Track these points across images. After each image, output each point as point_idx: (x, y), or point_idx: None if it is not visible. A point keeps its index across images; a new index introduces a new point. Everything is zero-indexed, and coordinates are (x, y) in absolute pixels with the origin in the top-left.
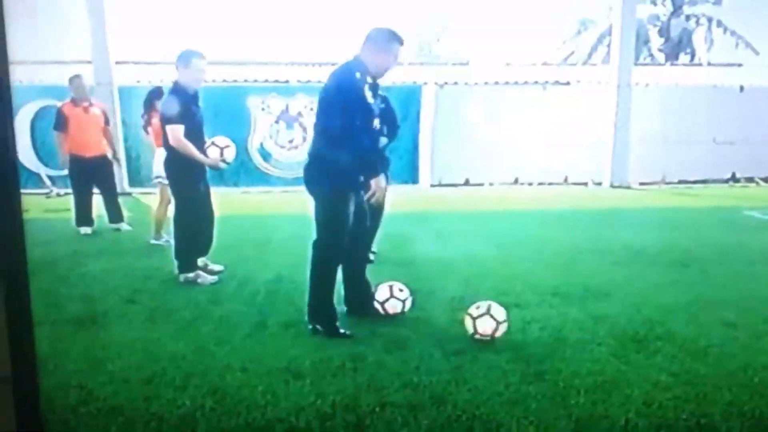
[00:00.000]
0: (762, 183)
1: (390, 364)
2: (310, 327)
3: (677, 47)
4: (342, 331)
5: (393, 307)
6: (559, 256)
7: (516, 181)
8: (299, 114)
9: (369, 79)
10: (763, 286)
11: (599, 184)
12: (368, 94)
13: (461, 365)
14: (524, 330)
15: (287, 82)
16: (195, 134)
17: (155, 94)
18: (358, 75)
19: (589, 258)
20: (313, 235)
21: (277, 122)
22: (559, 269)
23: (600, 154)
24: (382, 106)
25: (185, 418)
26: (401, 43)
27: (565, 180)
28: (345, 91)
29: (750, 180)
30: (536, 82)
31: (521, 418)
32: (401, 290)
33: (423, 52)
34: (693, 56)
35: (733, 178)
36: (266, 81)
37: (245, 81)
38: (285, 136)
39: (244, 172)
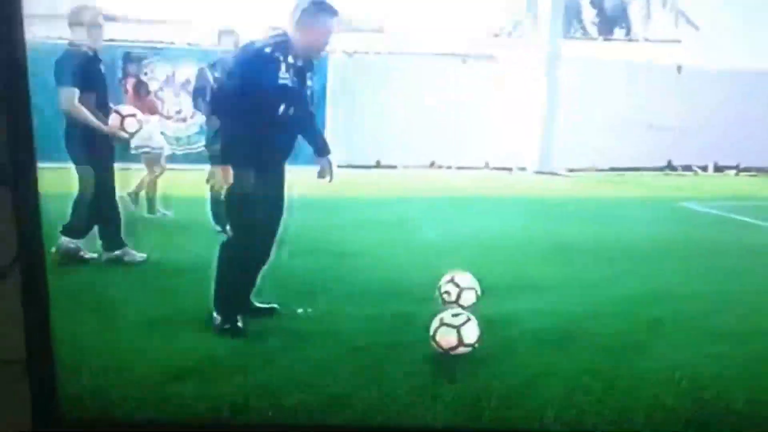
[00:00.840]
0: (700, 172)
1: (287, 363)
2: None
3: (612, 21)
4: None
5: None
6: (479, 248)
7: (432, 165)
8: (188, 81)
9: (291, 59)
10: (696, 282)
11: (523, 169)
12: (285, 75)
13: (365, 365)
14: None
15: (172, 44)
16: (98, 101)
17: (129, 57)
18: (268, 51)
19: (511, 251)
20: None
21: (161, 90)
22: (479, 263)
23: (525, 136)
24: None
25: None
26: (333, 14)
27: (486, 165)
28: (247, 70)
29: (687, 168)
30: (456, 55)
31: (429, 423)
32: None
33: None
34: (629, 31)
35: (669, 167)
36: (149, 42)
37: (124, 42)
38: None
39: (122, 147)
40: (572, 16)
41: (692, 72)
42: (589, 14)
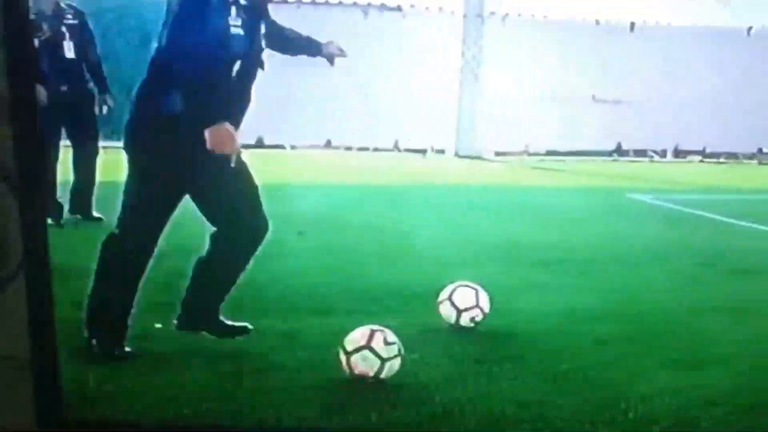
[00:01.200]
0: (657, 158)
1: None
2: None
3: None
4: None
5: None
6: (385, 249)
7: (329, 144)
8: None
9: None
10: (648, 291)
11: (441, 152)
12: (232, 14)
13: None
14: (334, 347)
15: None
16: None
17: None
18: None
19: (426, 253)
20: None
21: None
22: (384, 267)
23: (442, 112)
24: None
25: None
26: None
27: (396, 145)
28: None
29: (641, 153)
30: (355, 4)
31: None
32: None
33: None
34: None
35: (619, 151)
36: None
37: None
38: None
39: None
40: None
41: (648, 30)
42: None
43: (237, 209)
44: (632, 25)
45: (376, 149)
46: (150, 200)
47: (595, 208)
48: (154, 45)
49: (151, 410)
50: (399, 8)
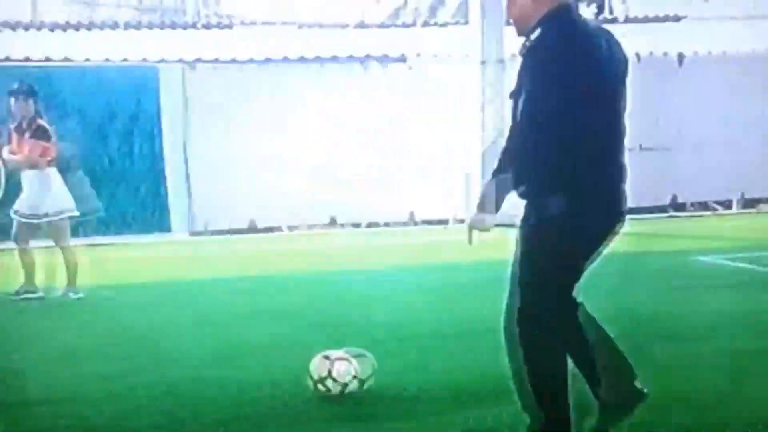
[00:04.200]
0: (721, 210)
1: None
2: None
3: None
4: None
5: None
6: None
7: (333, 222)
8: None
9: None
10: None
11: (463, 221)
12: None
13: None
14: None
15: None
16: None
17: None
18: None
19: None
20: None
21: None
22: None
23: (464, 175)
24: None
25: None
26: None
27: (412, 218)
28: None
29: (702, 206)
30: (352, 57)
31: None
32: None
33: (148, 2)
34: (601, 8)
35: (674, 205)
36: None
37: None
38: None
39: None
40: None
41: (700, 62)
42: None
43: None
44: (680, 57)
45: (386, 224)
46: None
47: (663, 277)
48: None
49: None
50: (402, 58)
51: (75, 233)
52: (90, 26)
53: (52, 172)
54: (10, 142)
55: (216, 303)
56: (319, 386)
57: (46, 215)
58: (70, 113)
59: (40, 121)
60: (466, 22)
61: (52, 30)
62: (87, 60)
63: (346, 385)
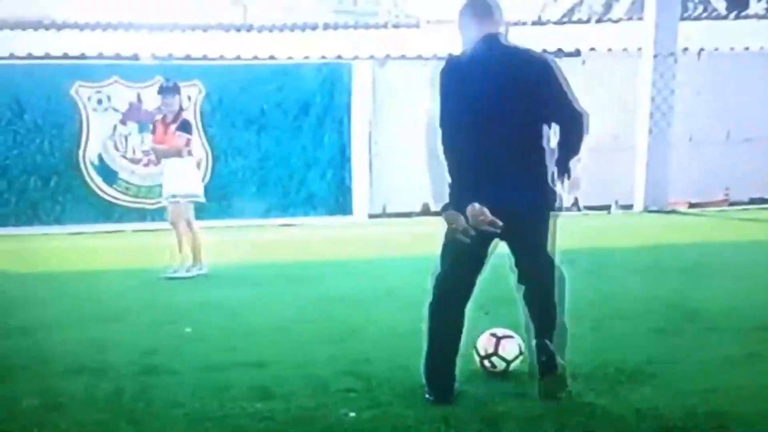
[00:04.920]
0: None
1: None
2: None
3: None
4: None
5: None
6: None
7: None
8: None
9: None
10: None
11: (629, 207)
12: None
13: None
14: None
15: (137, 58)
16: None
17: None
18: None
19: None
20: None
21: (124, 123)
22: None
23: (624, 161)
24: None
25: None
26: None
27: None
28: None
29: None
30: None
31: None
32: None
33: (344, 5)
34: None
35: None
36: (101, 56)
37: (65, 58)
38: (137, 145)
39: (72, 200)
40: None
41: None
42: None
43: None
44: None
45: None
46: None
47: None
48: None
49: None
50: (577, 52)
51: (267, 215)
52: (293, 27)
53: (191, 160)
54: (155, 133)
55: (400, 279)
56: (486, 362)
57: (174, 196)
58: (272, 106)
59: (185, 116)
60: (640, 18)
61: (259, 32)
62: (289, 58)
63: (510, 362)
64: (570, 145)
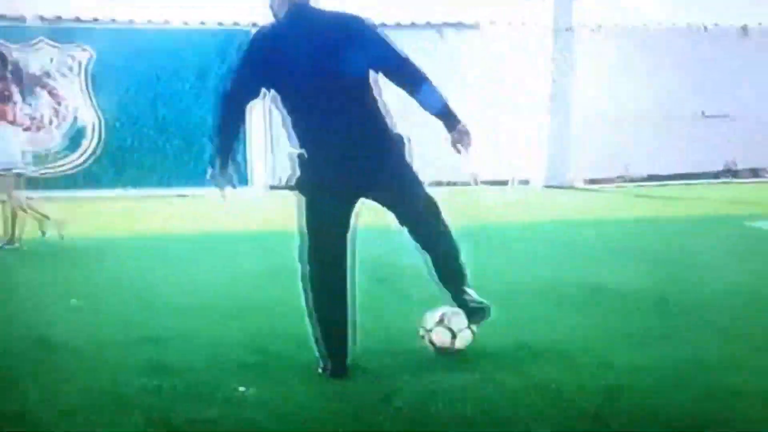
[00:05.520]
0: None
1: None
2: None
3: None
4: None
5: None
6: None
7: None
8: (46, 74)
9: None
10: None
11: (525, 182)
12: None
13: None
14: None
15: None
16: None
17: None
18: None
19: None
20: None
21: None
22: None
23: (524, 137)
24: None
25: None
26: None
27: (474, 178)
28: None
29: (756, 173)
30: (429, 24)
31: None
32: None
33: None
34: None
35: (730, 171)
36: None
37: None
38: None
39: None
40: None
41: (765, 33)
42: None
43: None
44: (745, 28)
45: (450, 183)
46: None
47: (711, 242)
48: None
49: None
50: (476, 25)
51: (164, 184)
52: None
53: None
54: None
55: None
56: (432, 335)
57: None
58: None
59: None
60: None
61: None
62: (185, 23)
63: (456, 334)
64: (416, 83)
